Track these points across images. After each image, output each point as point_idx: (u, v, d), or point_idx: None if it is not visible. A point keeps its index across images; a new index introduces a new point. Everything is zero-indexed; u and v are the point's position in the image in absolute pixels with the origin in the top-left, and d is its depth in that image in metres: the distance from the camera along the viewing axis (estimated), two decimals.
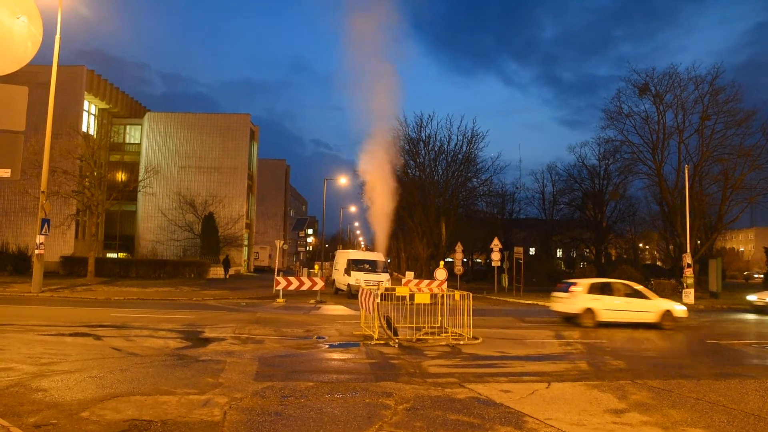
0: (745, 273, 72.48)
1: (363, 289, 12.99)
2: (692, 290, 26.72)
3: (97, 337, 11.26)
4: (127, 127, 45.47)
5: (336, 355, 10.32)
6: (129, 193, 37.14)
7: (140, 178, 35.51)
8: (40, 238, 21.02)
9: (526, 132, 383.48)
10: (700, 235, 40.58)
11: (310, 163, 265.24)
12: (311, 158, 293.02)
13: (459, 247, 33.64)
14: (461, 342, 11.86)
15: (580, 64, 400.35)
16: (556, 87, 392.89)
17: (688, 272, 27.31)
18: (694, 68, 52.12)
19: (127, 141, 45.67)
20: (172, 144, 44.64)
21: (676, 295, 30.26)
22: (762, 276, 50.70)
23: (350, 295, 24.73)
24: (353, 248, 58.41)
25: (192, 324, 14.01)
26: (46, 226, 20.99)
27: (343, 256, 28.21)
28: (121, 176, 40.24)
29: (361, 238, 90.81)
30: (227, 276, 38.38)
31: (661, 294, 30.73)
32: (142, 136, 45.09)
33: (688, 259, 28.13)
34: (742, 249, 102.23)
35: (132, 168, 42.07)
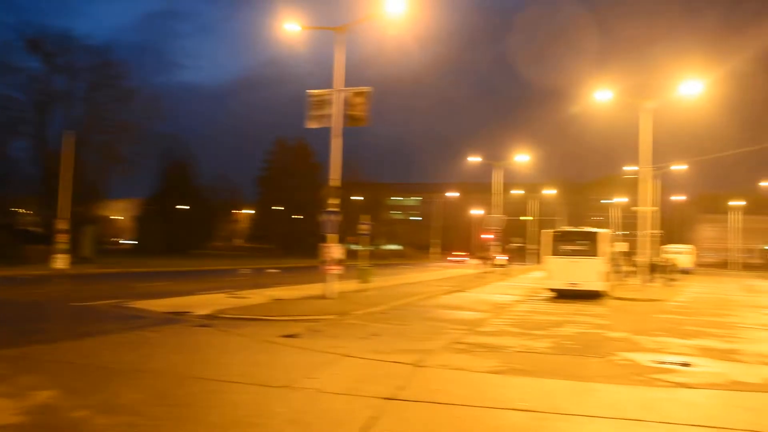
0: (118, 240, 78.51)
1: None
2: (67, 256, 26.88)
3: None
4: None
5: None
6: None
7: None
8: None
9: None
10: (80, 202, 41.34)
11: None
12: None
13: None
14: None
15: None
16: None
17: (62, 238, 27.32)
18: (91, 37, 52.14)
19: None
20: None
21: (48, 260, 29.73)
22: (130, 243, 56.06)
23: None
24: None
25: None
26: None
27: None
28: None
29: None
30: None
31: (33, 260, 29.60)
32: None
33: (62, 224, 28.11)
34: (122, 218, 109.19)
35: None
